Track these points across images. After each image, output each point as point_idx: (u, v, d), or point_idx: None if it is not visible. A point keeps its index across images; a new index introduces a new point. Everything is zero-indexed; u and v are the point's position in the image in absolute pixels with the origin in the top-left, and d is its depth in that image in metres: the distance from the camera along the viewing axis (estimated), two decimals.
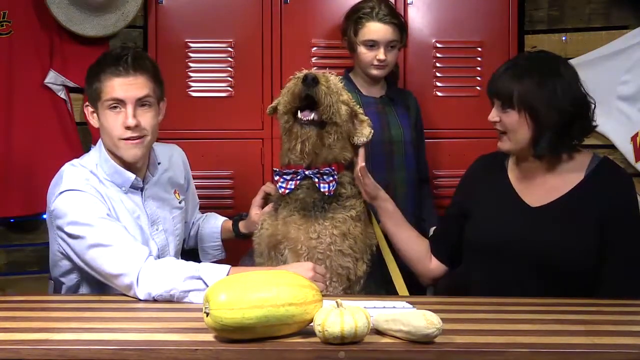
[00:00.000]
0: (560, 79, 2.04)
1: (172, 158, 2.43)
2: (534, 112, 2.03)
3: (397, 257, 2.36)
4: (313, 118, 2.17)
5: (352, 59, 2.82)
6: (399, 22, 2.74)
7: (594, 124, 2.10)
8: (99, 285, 2.12)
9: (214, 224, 2.57)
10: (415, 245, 2.30)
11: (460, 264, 2.34)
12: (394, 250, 2.33)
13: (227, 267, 1.99)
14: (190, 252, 2.57)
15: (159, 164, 2.32)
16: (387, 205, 2.29)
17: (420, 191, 2.87)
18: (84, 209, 2.07)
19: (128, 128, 2.13)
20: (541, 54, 2.20)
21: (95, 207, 2.08)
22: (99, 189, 2.14)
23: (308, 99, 2.16)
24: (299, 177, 2.24)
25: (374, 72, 2.73)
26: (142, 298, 1.95)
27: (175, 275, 1.94)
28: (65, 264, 2.18)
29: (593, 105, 2.08)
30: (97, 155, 2.22)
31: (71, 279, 2.20)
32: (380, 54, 2.69)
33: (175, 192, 2.37)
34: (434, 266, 2.30)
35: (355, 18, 2.73)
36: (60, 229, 2.11)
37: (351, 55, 2.82)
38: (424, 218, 2.82)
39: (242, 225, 2.52)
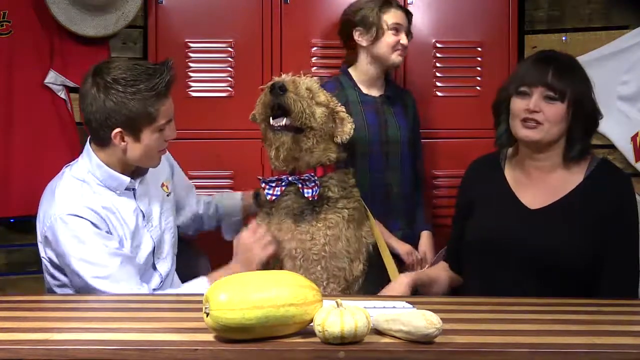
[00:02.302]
0: (590, 85, 2.09)
1: None
2: (581, 110, 2.04)
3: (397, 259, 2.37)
4: (285, 124, 2.17)
5: (353, 55, 2.79)
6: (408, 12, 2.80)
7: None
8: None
9: (233, 197, 2.59)
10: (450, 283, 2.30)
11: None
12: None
13: (203, 279, 2.18)
14: (186, 242, 2.56)
15: None
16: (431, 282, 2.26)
17: (416, 193, 2.85)
18: (86, 242, 2.07)
19: (167, 140, 2.19)
20: (571, 56, 2.21)
21: (96, 241, 2.08)
22: (95, 201, 2.12)
23: (279, 107, 2.16)
24: (283, 184, 2.25)
25: (396, 58, 2.72)
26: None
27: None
28: (60, 278, 2.18)
29: (601, 116, 2.12)
30: (86, 162, 2.19)
31: (66, 290, 2.20)
32: (404, 39, 2.71)
33: (162, 185, 2.36)
34: (456, 279, 2.30)
35: (379, 4, 2.73)
36: (60, 257, 2.10)
37: (352, 52, 2.79)
38: (416, 221, 2.83)
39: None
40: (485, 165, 2.24)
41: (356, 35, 2.74)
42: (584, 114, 2.04)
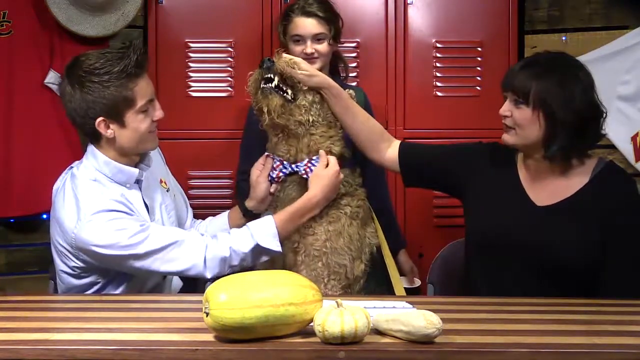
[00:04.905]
0: (579, 83, 2.03)
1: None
2: (549, 111, 2.01)
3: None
4: (275, 85, 2.17)
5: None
6: (326, 15, 2.67)
7: (602, 132, 2.09)
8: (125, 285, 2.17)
9: (221, 220, 2.50)
10: (367, 130, 2.29)
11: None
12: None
13: (269, 218, 2.17)
14: None
15: None
16: (332, 91, 2.23)
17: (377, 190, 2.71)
18: (121, 228, 2.06)
19: (157, 121, 2.17)
20: (562, 56, 2.17)
21: (130, 223, 2.08)
22: (115, 192, 2.12)
23: (269, 78, 2.19)
24: (284, 170, 2.24)
25: None
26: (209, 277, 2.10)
27: (238, 253, 2.11)
28: (86, 281, 2.16)
29: (605, 114, 2.07)
30: (92, 162, 2.18)
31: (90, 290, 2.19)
32: (307, 48, 2.64)
33: (161, 182, 2.36)
34: (389, 156, 2.30)
35: (284, 16, 2.71)
36: (101, 258, 2.08)
37: None
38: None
39: (248, 203, 2.42)
40: (502, 153, 2.22)
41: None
42: (554, 115, 2.00)
